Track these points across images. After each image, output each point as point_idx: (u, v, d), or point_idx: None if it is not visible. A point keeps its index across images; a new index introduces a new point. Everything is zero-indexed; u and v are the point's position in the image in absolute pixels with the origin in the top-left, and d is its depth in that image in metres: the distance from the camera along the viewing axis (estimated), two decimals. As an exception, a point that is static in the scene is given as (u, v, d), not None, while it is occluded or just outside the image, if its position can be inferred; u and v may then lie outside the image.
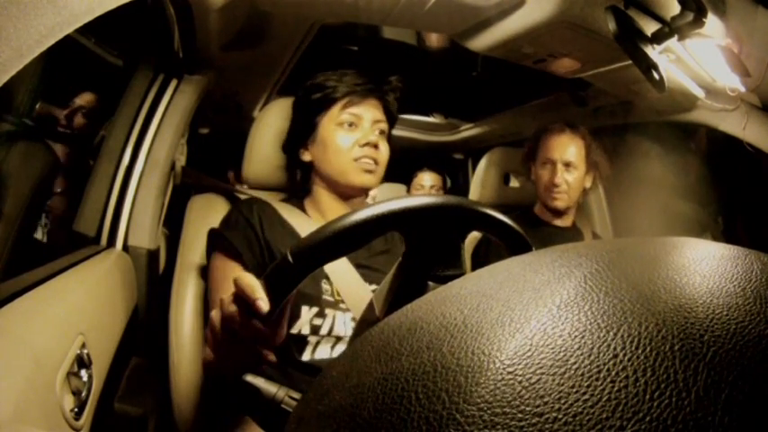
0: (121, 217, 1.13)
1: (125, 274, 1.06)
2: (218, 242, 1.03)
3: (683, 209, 1.76)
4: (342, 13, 1.11)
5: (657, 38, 0.89)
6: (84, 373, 0.70)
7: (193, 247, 1.18)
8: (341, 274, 1.01)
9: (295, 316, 0.96)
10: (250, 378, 0.58)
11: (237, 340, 0.61)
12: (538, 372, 0.19)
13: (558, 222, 1.59)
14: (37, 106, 1.65)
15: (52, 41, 0.43)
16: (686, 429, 0.16)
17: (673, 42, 0.90)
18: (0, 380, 0.52)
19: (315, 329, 0.97)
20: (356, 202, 1.12)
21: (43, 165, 1.23)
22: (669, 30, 0.88)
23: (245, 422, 0.93)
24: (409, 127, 2.44)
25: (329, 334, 0.98)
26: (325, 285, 1.00)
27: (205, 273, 1.18)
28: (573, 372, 0.18)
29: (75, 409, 0.66)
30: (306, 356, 0.97)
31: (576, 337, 0.19)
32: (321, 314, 0.98)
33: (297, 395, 0.57)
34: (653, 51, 0.88)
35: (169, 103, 1.21)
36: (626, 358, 0.18)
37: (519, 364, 0.19)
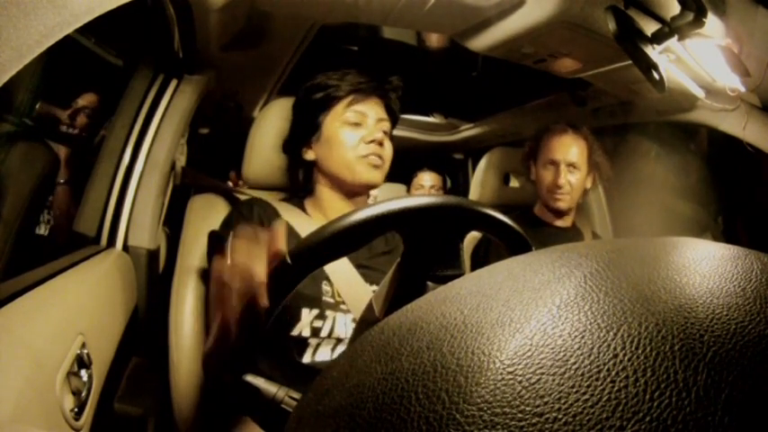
0: (121, 217, 1.13)
1: (125, 274, 1.06)
2: (218, 244, 1.03)
3: (683, 209, 1.76)
4: (342, 13, 1.11)
5: (657, 38, 0.89)
6: (84, 373, 0.70)
7: (193, 248, 1.18)
8: (342, 274, 1.01)
9: (295, 318, 0.96)
10: (250, 378, 0.58)
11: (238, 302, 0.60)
12: (538, 372, 0.19)
13: (559, 223, 1.59)
14: (37, 106, 1.65)
15: (52, 41, 0.43)
16: (686, 429, 0.16)
17: (673, 42, 0.90)
18: (0, 380, 0.52)
19: (315, 331, 0.97)
20: (359, 200, 1.12)
21: (44, 164, 1.23)
22: (669, 30, 0.88)
23: (245, 422, 0.93)
24: (409, 127, 2.44)
25: (330, 336, 0.98)
26: (325, 287, 1.00)
27: (205, 273, 1.18)
28: (573, 372, 0.18)
29: (75, 409, 0.66)
30: (306, 359, 0.96)
31: (575, 337, 0.19)
32: (321, 316, 0.98)
33: (297, 395, 0.57)
34: (653, 51, 0.88)
35: (169, 103, 1.21)
36: (626, 358, 0.18)
37: (519, 364, 0.19)
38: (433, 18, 1.08)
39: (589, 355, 0.19)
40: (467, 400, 0.18)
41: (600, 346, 0.19)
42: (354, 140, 1.06)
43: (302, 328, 0.97)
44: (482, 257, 1.54)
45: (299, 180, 1.16)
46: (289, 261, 0.56)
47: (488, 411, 0.18)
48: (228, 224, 1.05)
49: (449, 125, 2.47)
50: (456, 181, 2.78)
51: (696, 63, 1.04)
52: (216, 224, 1.17)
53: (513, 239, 0.66)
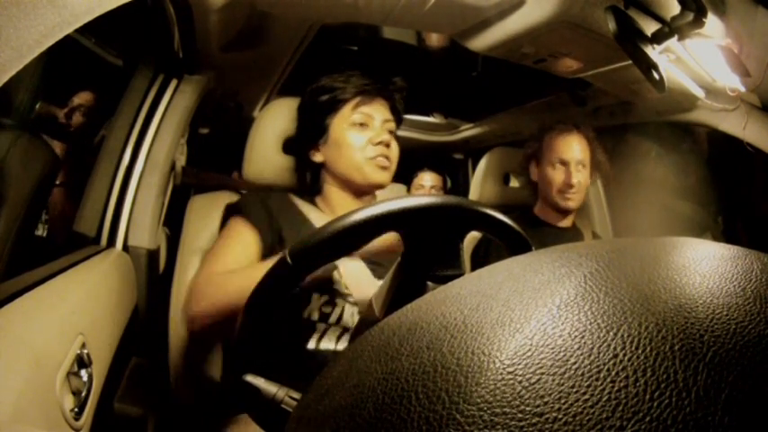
0: (121, 217, 1.13)
1: (125, 274, 1.06)
2: (237, 211, 1.06)
3: (683, 209, 1.76)
4: (342, 14, 1.11)
5: (657, 38, 0.89)
6: (84, 373, 0.70)
7: (193, 247, 1.18)
8: (350, 267, 1.02)
9: (305, 301, 0.97)
10: (250, 378, 0.58)
11: None
12: (538, 372, 0.19)
13: (560, 223, 1.59)
14: (37, 106, 1.65)
15: (52, 41, 0.43)
16: (686, 429, 0.16)
17: (673, 42, 0.90)
18: (0, 380, 0.52)
19: (324, 317, 0.98)
20: (367, 200, 1.14)
21: (44, 164, 1.23)
22: (669, 30, 0.88)
23: (245, 422, 0.93)
24: (409, 127, 2.44)
25: (337, 323, 0.99)
26: (336, 275, 1.01)
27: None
28: (573, 372, 0.18)
29: (76, 409, 0.66)
30: (311, 344, 0.97)
31: (576, 337, 0.19)
32: (331, 302, 0.99)
33: (297, 395, 0.57)
34: (653, 51, 0.88)
35: (169, 103, 1.21)
36: (626, 358, 0.18)
37: (519, 364, 0.19)
38: (433, 18, 1.08)
39: (589, 355, 0.19)
40: (467, 400, 0.18)
41: (600, 346, 0.19)
42: (362, 142, 1.07)
43: (311, 311, 0.98)
44: (482, 257, 1.54)
45: (307, 181, 1.17)
46: (289, 260, 0.56)
47: (488, 411, 0.18)
48: (245, 202, 1.07)
49: (449, 125, 2.47)
50: (456, 181, 2.78)
51: (696, 63, 1.04)
52: (216, 224, 1.17)
53: (513, 239, 0.66)
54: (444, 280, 0.60)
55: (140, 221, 1.14)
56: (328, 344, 0.98)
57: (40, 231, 1.61)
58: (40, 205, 1.40)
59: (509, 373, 0.19)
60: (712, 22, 0.91)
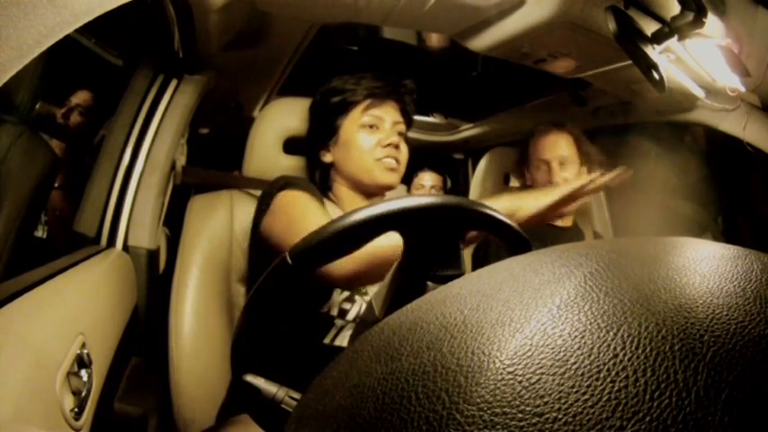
0: (121, 217, 1.13)
1: (125, 274, 1.06)
2: (288, 185, 1.04)
3: (683, 209, 1.76)
4: (342, 14, 1.11)
5: (657, 38, 0.89)
6: (84, 373, 0.70)
7: (194, 247, 1.18)
8: None
9: (326, 295, 0.98)
10: (250, 378, 0.58)
11: None
12: (538, 372, 0.19)
13: (559, 222, 1.59)
14: (37, 106, 1.65)
15: (52, 41, 0.43)
16: (686, 429, 0.16)
17: (673, 42, 0.90)
18: (0, 380, 0.52)
19: (342, 313, 0.99)
20: (376, 200, 1.14)
21: (44, 163, 1.23)
22: (669, 30, 0.88)
23: (245, 422, 0.93)
24: (409, 127, 2.44)
25: (355, 320, 0.99)
26: None
27: (205, 272, 1.18)
28: (573, 372, 0.18)
29: (76, 409, 0.66)
30: (327, 339, 0.97)
31: (576, 337, 0.19)
32: (351, 299, 1.00)
33: (297, 395, 0.57)
34: (653, 51, 0.88)
35: (169, 103, 1.21)
36: (626, 358, 0.18)
37: (519, 364, 0.19)
38: (433, 18, 1.08)
39: (589, 355, 0.19)
40: (467, 400, 0.18)
41: (600, 346, 0.19)
42: (371, 144, 1.08)
43: (331, 306, 0.98)
44: (482, 257, 1.54)
45: (317, 181, 1.17)
46: (289, 261, 0.56)
47: (488, 411, 0.18)
48: (285, 184, 1.04)
49: (449, 125, 2.46)
50: (456, 181, 2.77)
51: (696, 63, 1.04)
52: (216, 224, 1.17)
53: (512, 239, 0.66)
54: (444, 280, 0.60)
55: (140, 221, 1.14)
56: (343, 340, 0.99)
57: (40, 233, 1.61)
58: (40, 204, 1.40)
59: (509, 373, 0.19)
60: (712, 22, 0.91)
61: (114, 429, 0.88)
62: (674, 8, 0.87)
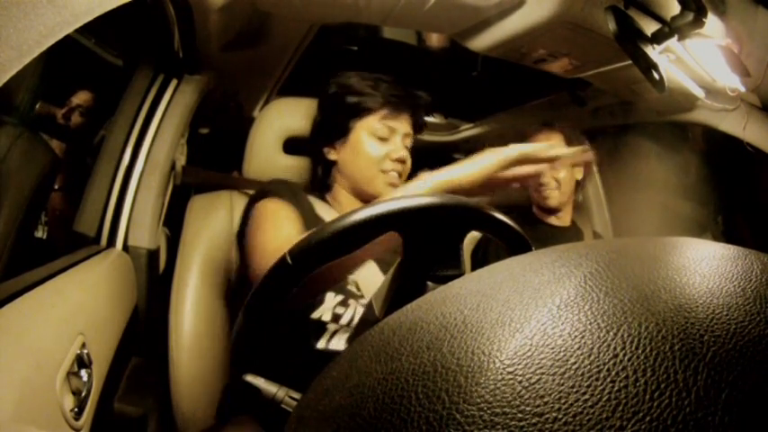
0: (121, 217, 1.13)
1: (125, 274, 1.06)
2: (267, 194, 1.04)
3: (683, 209, 1.76)
4: (342, 14, 1.11)
5: (657, 38, 0.89)
6: (84, 373, 0.70)
7: (194, 247, 1.18)
8: (363, 267, 1.02)
9: (319, 301, 0.97)
10: (250, 378, 0.58)
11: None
12: (538, 372, 0.19)
13: (556, 222, 1.59)
14: (37, 106, 1.65)
15: (52, 41, 0.43)
16: (686, 429, 0.16)
17: (673, 42, 0.90)
18: (0, 380, 0.52)
19: (336, 318, 0.98)
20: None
21: (44, 163, 1.23)
22: (669, 30, 0.88)
23: (245, 422, 0.93)
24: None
25: (349, 325, 0.99)
26: (350, 276, 1.01)
27: (205, 272, 1.18)
28: (573, 372, 0.18)
29: (76, 409, 0.66)
30: (321, 344, 0.97)
31: (576, 337, 0.19)
32: (345, 303, 0.99)
33: (297, 395, 0.57)
34: (653, 51, 0.88)
35: (169, 103, 1.21)
36: (626, 358, 0.18)
37: (519, 364, 0.19)
38: (433, 18, 1.08)
39: (589, 355, 0.19)
40: (467, 400, 0.18)
41: (600, 346, 0.19)
42: (380, 154, 1.08)
43: (324, 311, 0.97)
44: (482, 257, 1.54)
45: (318, 177, 1.17)
46: (289, 261, 0.56)
47: (488, 411, 0.18)
48: (276, 186, 1.06)
49: (449, 125, 2.46)
50: (456, 181, 2.77)
51: (696, 63, 1.04)
52: (216, 224, 1.17)
53: (513, 239, 0.66)
54: (444, 280, 0.60)
55: (140, 221, 1.14)
56: (338, 344, 0.98)
57: (40, 233, 1.61)
58: (40, 204, 1.40)
59: (509, 373, 0.19)
60: (712, 22, 0.91)
61: (114, 429, 0.87)
62: (674, 8, 0.87)
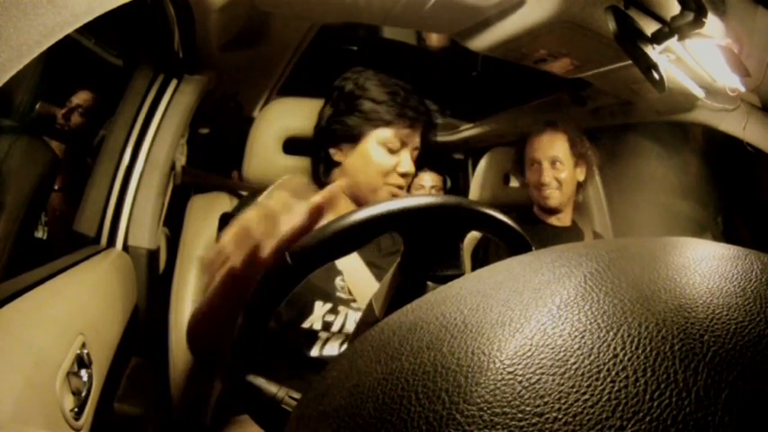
0: (121, 217, 1.13)
1: (125, 274, 1.06)
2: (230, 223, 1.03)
3: (683, 209, 1.76)
4: (342, 14, 1.11)
5: (657, 38, 0.89)
6: (84, 373, 0.70)
7: (193, 247, 1.18)
8: (353, 272, 1.02)
9: (308, 310, 0.97)
10: (250, 378, 0.58)
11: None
12: (538, 372, 0.19)
13: (556, 222, 1.59)
14: (37, 106, 1.65)
15: (52, 41, 0.43)
16: (686, 429, 0.16)
17: (673, 42, 0.90)
18: (0, 380, 0.52)
19: (326, 326, 0.98)
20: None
21: (44, 163, 1.23)
22: (669, 30, 0.88)
23: (245, 422, 0.93)
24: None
25: (340, 331, 0.98)
26: (339, 282, 1.01)
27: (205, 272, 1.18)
28: (573, 372, 0.18)
29: (76, 409, 0.66)
30: (314, 352, 0.97)
31: (576, 337, 0.19)
32: (334, 311, 0.99)
33: (297, 395, 0.57)
34: (653, 51, 0.88)
35: (169, 103, 1.21)
36: (626, 358, 0.18)
37: (519, 364, 0.19)
38: (433, 18, 1.08)
39: (589, 355, 0.19)
40: (467, 400, 0.18)
41: (600, 346, 0.19)
42: (388, 167, 1.07)
43: (314, 321, 0.97)
44: (482, 257, 1.54)
45: (320, 174, 1.14)
46: (289, 260, 0.56)
47: (488, 411, 0.18)
48: (245, 208, 1.05)
49: (449, 125, 2.46)
50: (456, 181, 2.77)
51: (696, 63, 1.04)
52: (216, 224, 1.17)
53: (513, 239, 0.66)
54: (444, 280, 0.60)
55: (140, 221, 1.14)
56: (331, 350, 0.98)
57: (40, 233, 1.61)
58: (41, 204, 1.40)
59: (509, 373, 0.19)
60: (712, 22, 0.91)
61: (114, 429, 0.87)
62: (674, 8, 0.87)
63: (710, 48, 0.97)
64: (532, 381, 0.18)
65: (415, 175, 2.61)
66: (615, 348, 0.19)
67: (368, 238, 0.57)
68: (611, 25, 0.86)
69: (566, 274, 0.24)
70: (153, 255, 1.17)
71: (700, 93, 1.17)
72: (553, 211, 1.57)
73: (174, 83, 1.23)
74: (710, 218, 1.75)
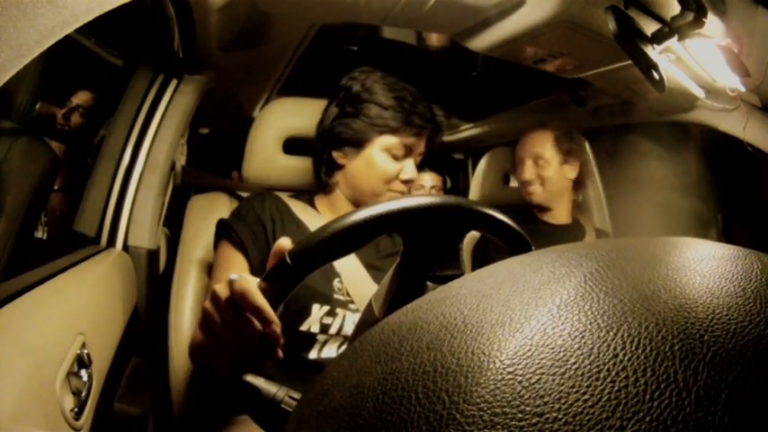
0: (121, 217, 1.13)
1: (125, 274, 1.06)
2: (226, 232, 1.03)
3: (685, 206, 1.76)
4: (342, 14, 1.11)
5: (657, 38, 0.89)
6: (84, 373, 0.70)
7: (193, 247, 1.18)
8: (351, 273, 1.02)
9: (306, 313, 0.97)
10: (250, 378, 0.58)
11: (233, 338, 0.60)
12: (538, 372, 0.19)
13: (550, 219, 1.59)
14: (37, 106, 1.65)
15: (52, 41, 0.43)
16: (686, 429, 0.16)
17: (673, 42, 0.90)
18: (0, 380, 0.52)
19: (324, 328, 0.98)
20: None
21: (44, 163, 1.23)
22: (669, 30, 0.88)
23: (245, 422, 0.93)
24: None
25: (338, 333, 0.98)
26: (336, 284, 1.01)
27: (205, 272, 1.18)
28: (573, 372, 0.18)
29: (76, 409, 0.66)
30: (312, 355, 0.97)
31: (576, 337, 0.19)
32: (332, 313, 0.98)
33: (297, 395, 0.57)
34: (653, 51, 0.88)
35: (169, 103, 1.21)
36: (626, 358, 0.18)
37: (519, 364, 0.19)
38: (433, 18, 1.08)
39: (589, 355, 0.19)
40: (467, 400, 0.18)
41: (600, 346, 0.19)
42: (391, 173, 1.06)
43: (311, 323, 0.97)
44: (483, 254, 1.55)
45: (321, 174, 1.13)
46: (288, 261, 0.56)
47: (488, 411, 0.18)
48: (239, 215, 1.05)
49: (449, 125, 2.46)
50: (456, 181, 2.77)
51: (696, 63, 1.04)
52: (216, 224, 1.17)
53: (513, 239, 0.66)
54: (444, 280, 0.60)
55: (140, 221, 1.14)
56: (330, 353, 0.98)
57: (40, 233, 1.61)
58: (41, 204, 1.40)
59: (509, 373, 0.19)
60: (712, 22, 0.91)
61: (114, 429, 0.88)
62: (674, 8, 0.87)
63: (710, 48, 0.97)
64: (532, 381, 0.18)
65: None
66: (615, 348, 0.19)
67: (368, 238, 0.57)
68: (611, 25, 0.86)
69: (566, 274, 0.24)
70: (153, 255, 1.17)
71: (700, 93, 1.17)
72: (542, 209, 1.59)
73: (174, 83, 1.23)
74: (712, 215, 1.75)
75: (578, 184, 1.61)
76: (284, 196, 1.11)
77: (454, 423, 0.18)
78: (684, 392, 0.17)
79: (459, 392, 0.19)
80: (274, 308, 0.58)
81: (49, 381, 0.61)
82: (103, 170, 1.14)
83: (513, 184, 2.03)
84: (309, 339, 0.97)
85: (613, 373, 0.18)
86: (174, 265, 1.18)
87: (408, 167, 1.07)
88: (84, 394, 0.69)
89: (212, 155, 1.99)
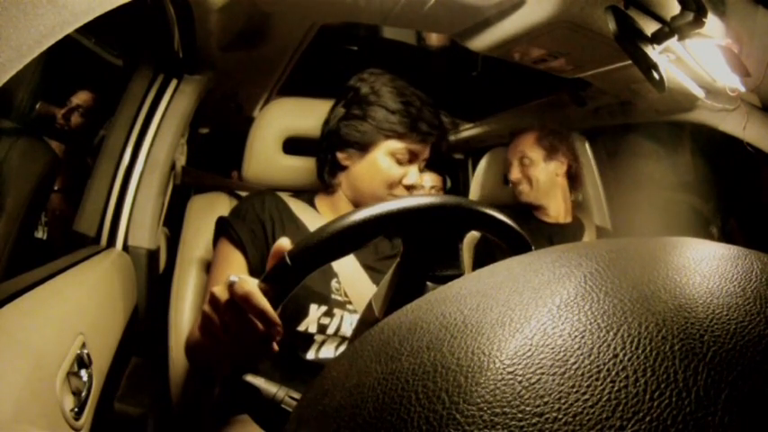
0: (121, 217, 1.13)
1: (125, 274, 1.06)
2: (225, 230, 1.03)
3: (686, 204, 1.76)
4: (342, 14, 1.11)
5: (657, 38, 0.89)
6: (84, 373, 0.70)
7: (193, 247, 1.18)
8: (349, 274, 1.01)
9: (303, 314, 0.97)
10: (250, 378, 0.58)
11: (232, 340, 0.60)
12: (538, 372, 0.19)
13: (546, 218, 1.59)
14: (37, 106, 1.65)
15: (52, 41, 0.43)
16: (686, 429, 0.16)
17: (673, 42, 0.90)
18: (0, 380, 0.52)
19: (322, 328, 0.97)
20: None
21: (44, 163, 1.23)
22: (669, 30, 0.88)
23: (245, 422, 0.93)
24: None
25: (336, 334, 0.98)
26: (334, 284, 1.01)
27: (205, 272, 1.18)
28: (573, 372, 0.18)
29: (76, 409, 0.66)
30: (310, 355, 0.97)
31: (576, 337, 0.19)
32: (329, 313, 0.98)
33: (297, 395, 0.57)
34: (653, 51, 0.88)
35: (169, 103, 1.21)
36: (626, 358, 0.18)
37: (519, 364, 0.19)
38: (432, 18, 1.08)
39: (589, 355, 0.19)
40: (467, 400, 0.18)
41: (600, 346, 0.19)
42: (395, 178, 1.06)
43: (309, 323, 0.97)
44: (484, 252, 1.55)
45: (324, 174, 1.12)
46: (288, 261, 0.56)
47: (488, 411, 0.18)
48: (239, 213, 1.05)
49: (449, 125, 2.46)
50: (456, 181, 2.78)
51: (696, 63, 1.04)
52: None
53: (513, 239, 0.66)
54: (444, 280, 0.60)
55: (140, 221, 1.14)
56: (327, 353, 0.98)
57: (40, 233, 1.61)
58: (41, 205, 1.40)
59: (509, 373, 0.19)
60: (712, 22, 0.91)
61: (114, 429, 0.88)
62: (674, 8, 0.87)
63: (710, 48, 0.97)
64: (532, 381, 0.18)
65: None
66: (615, 348, 0.19)
67: (368, 238, 0.57)
68: (611, 25, 0.86)
69: (566, 274, 0.24)
70: (153, 255, 1.17)
71: (700, 93, 1.17)
72: (536, 207, 1.59)
73: (174, 83, 1.23)
74: (712, 214, 1.76)
75: (573, 180, 1.61)
76: (284, 196, 1.11)
77: (454, 423, 0.18)
78: (684, 392, 0.17)
79: (459, 392, 0.19)
80: (274, 308, 0.57)
81: (49, 381, 0.61)
82: (103, 170, 1.14)
83: (513, 184, 2.03)
84: (307, 339, 0.97)
85: (613, 373, 0.18)
86: (174, 265, 1.18)
87: (412, 173, 1.07)
88: (84, 394, 0.69)
89: (212, 155, 1.99)
